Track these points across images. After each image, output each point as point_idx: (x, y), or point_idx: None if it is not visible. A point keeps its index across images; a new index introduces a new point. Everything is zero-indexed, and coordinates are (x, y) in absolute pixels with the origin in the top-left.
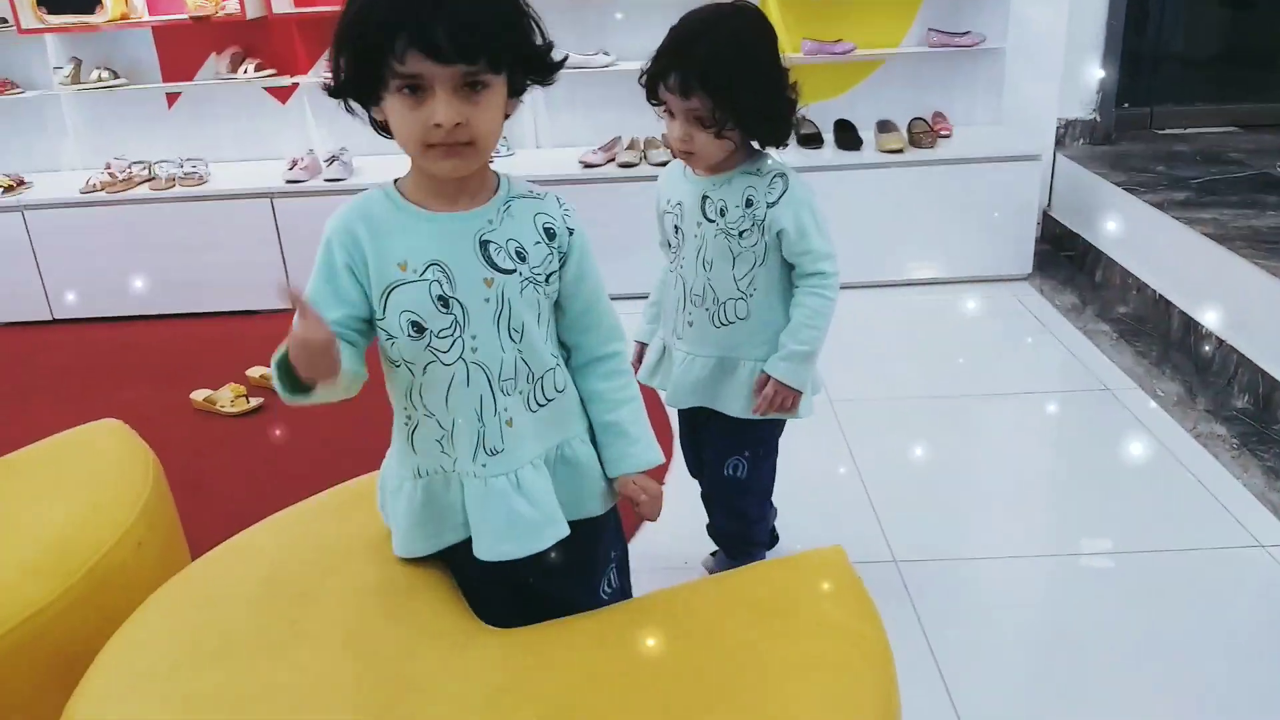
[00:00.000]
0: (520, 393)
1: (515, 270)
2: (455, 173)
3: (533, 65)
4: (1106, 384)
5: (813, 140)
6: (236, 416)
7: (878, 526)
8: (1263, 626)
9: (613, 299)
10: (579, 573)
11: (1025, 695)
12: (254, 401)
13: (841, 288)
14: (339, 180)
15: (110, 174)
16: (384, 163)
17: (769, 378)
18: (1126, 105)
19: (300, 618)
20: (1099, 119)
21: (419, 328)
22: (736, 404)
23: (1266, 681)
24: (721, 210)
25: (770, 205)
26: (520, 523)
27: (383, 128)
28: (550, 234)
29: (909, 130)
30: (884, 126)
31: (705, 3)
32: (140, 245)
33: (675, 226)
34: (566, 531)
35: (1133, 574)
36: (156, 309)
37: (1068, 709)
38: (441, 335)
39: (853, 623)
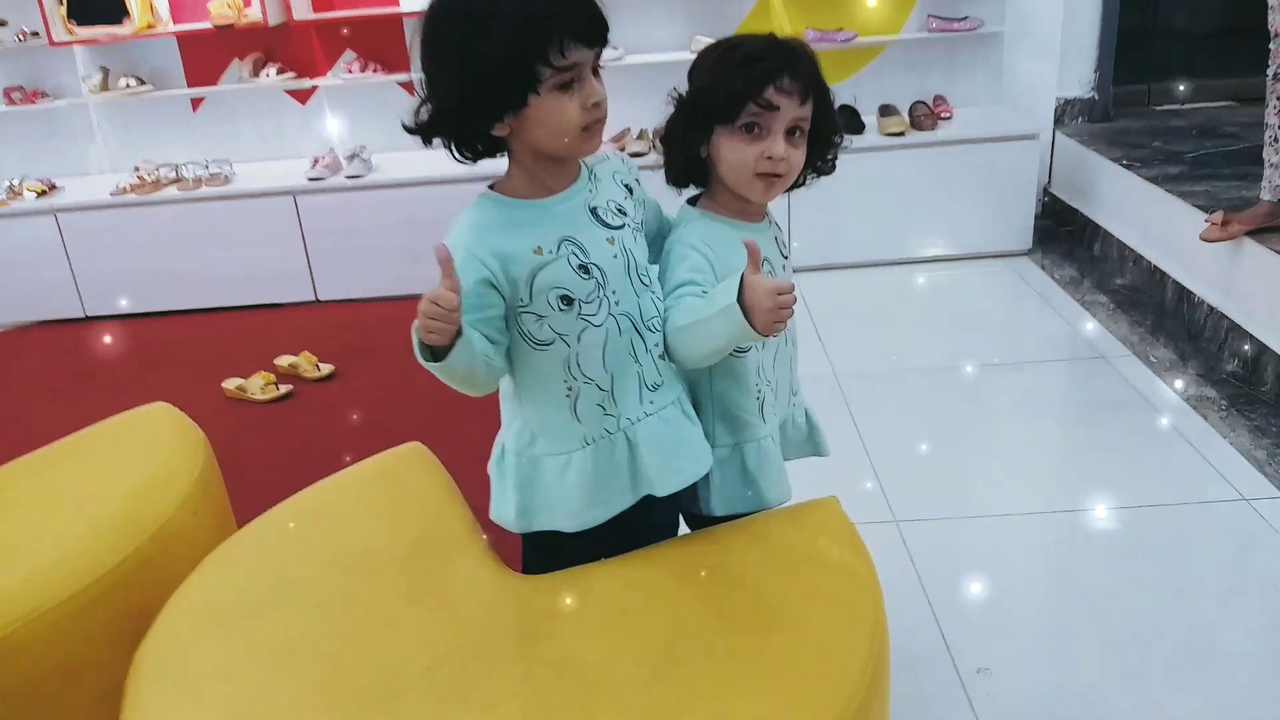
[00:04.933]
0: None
1: (623, 225)
2: (595, 148)
3: None
4: (1102, 352)
5: None
6: (267, 403)
7: (879, 489)
8: (1243, 573)
9: None
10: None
11: (1020, 641)
12: (284, 389)
13: (848, 266)
14: (359, 177)
15: (139, 176)
16: (402, 158)
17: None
18: (1125, 84)
19: (352, 567)
20: (1097, 97)
21: (567, 300)
22: None
23: (1245, 623)
24: (784, 254)
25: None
26: (691, 445)
27: (483, 150)
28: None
29: (910, 113)
30: (886, 110)
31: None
32: (169, 244)
33: None
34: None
35: (1125, 528)
36: (185, 304)
37: (1061, 653)
38: (589, 300)
39: (846, 559)
